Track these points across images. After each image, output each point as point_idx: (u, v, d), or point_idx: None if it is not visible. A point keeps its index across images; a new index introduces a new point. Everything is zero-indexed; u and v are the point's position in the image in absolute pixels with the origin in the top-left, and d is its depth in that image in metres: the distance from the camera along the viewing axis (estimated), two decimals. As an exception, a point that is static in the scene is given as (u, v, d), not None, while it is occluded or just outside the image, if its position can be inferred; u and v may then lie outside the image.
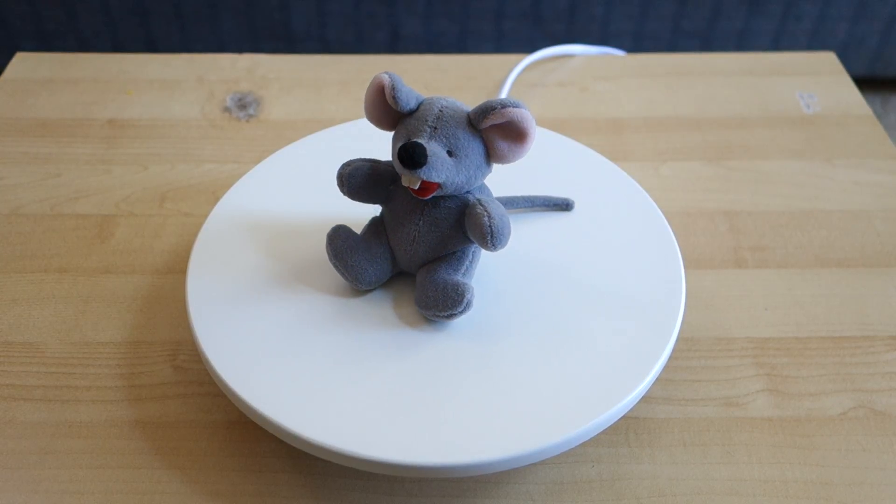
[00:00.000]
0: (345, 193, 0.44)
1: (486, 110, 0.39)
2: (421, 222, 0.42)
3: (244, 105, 0.66)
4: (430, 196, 0.40)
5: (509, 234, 0.40)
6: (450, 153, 0.40)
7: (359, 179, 0.43)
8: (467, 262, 0.43)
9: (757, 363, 0.48)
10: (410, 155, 0.38)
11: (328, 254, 0.43)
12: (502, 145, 0.41)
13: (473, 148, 0.40)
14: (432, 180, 0.39)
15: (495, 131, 0.40)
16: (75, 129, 0.64)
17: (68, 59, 0.71)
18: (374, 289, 0.45)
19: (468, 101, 0.67)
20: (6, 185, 0.59)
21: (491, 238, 0.40)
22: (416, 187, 0.39)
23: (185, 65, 0.71)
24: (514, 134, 0.40)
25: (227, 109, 0.66)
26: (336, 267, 0.44)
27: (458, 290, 0.41)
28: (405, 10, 1.36)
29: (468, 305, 0.41)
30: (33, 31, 1.38)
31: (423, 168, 0.39)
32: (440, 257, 0.43)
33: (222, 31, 1.38)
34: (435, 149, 0.39)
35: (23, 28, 1.38)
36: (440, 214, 0.42)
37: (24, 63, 0.71)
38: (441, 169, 0.39)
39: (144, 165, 0.61)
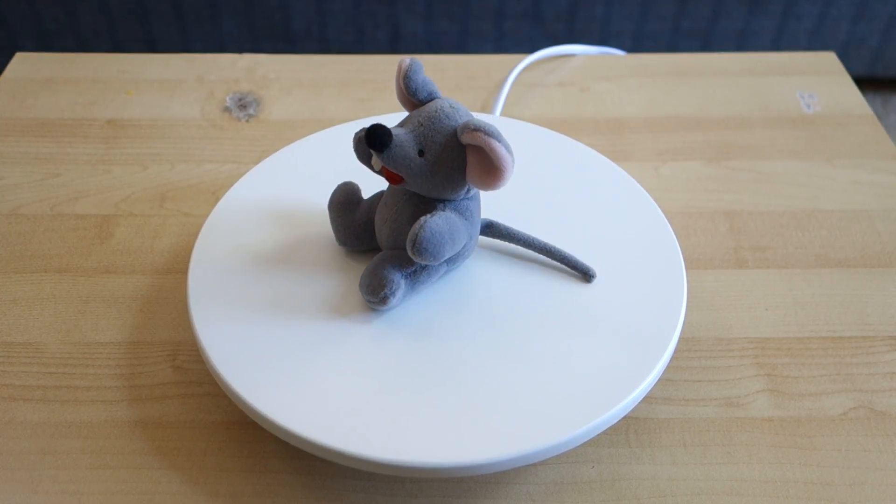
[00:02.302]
0: (356, 154, 0.45)
1: (464, 127, 0.39)
2: (394, 210, 0.43)
3: (244, 105, 0.66)
4: (399, 186, 0.41)
5: (438, 253, 0.40)
6: (421, 153, 0.40)
7: (366, 147, 0.44)
8: (418, 266, 0.43)
9: (757, 363, 0.48)
10: (370, 135, 0.39)
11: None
12: (476, 170, 0.40)
13: (448, 157, 0.40)
14: (389, 168, 0.40)
15: (475, 153, 0.40)
16: (75, 129, 0.64)
17: (68, 59, 0.71)
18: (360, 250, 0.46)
19: (468, 101, 0.67)
20: (6, 185, 0.59)
21: (412, 246, 0.40)
22: (377, 169, 0.40)
23: (185, 65, 0.71)
24: (489, 164, 0.39)
25: (227, 109, 0.66)
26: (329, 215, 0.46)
27: (382, 282, 0.42)
28: (405, 10, 1.36)
29: (384, 300, 0.42)
30: (33, 31, 1.38)
31: (383, 153, 0.39)
32: (398, 248, 0.43)
33: (222, 31, 1.38)
34: (404, 140, 0.40)
35: (23, 28, 1.38)
36: (410, 210, 0.42)
37: (24, 63, 0.71)
38: (400, 161, 0.40)
39: (144, 165, 0.61)
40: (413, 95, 0.41)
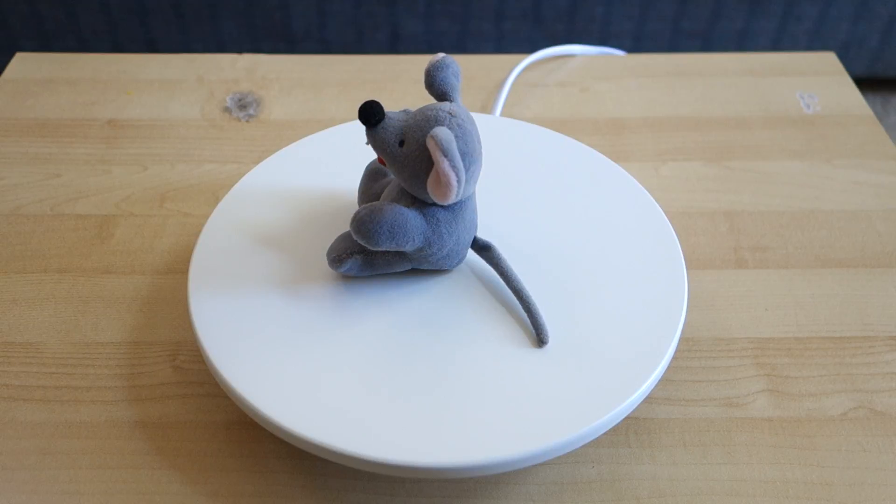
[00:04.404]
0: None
1: (430, 134, 0.39)
2: (388, 191, 0.44)
3: (244, 105, 0.66)
4: (385, 167, 0.43)
5: (370, 238, 0.40)
6: (401, 143, 0.41)
7: None
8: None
9: (757, 363, 0.48)
10: (362, 109, 0.40)
11: None
12: (432, 179, 0.40)
13: (419, 157, 0.40)
14: (371, 145, 0.42)
15: None
16: (75, 129, 0.64)
17: (68, 59, 0.71)
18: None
19: (468, 102, 0.67)
20: (6, 185, 0.59)
21: (351, 222, 0.41)
22: (365, 143, 0.42)
23: (185, 65, 0.71)
24: (437, 176, 0.39)
25: (227, 109, 0.66)
26: None
27: (338, 247, 0.44)
28: (405, 10, 1.36)
29: (332, 262, 0.43)
30: (33, 31, 1.38)
31: (368, 130, 0.41)
32: None
33: (222, 31, 1.38)
34: (391, 126, 0.41)
35: (23, 28, 1.38)
36: (393, 196, 0.43)
37: (24, 63, 0.71)
38: (379, 143, 0.41)
39: (144, 165, 0.61)
40: (429, 88, 0.42)
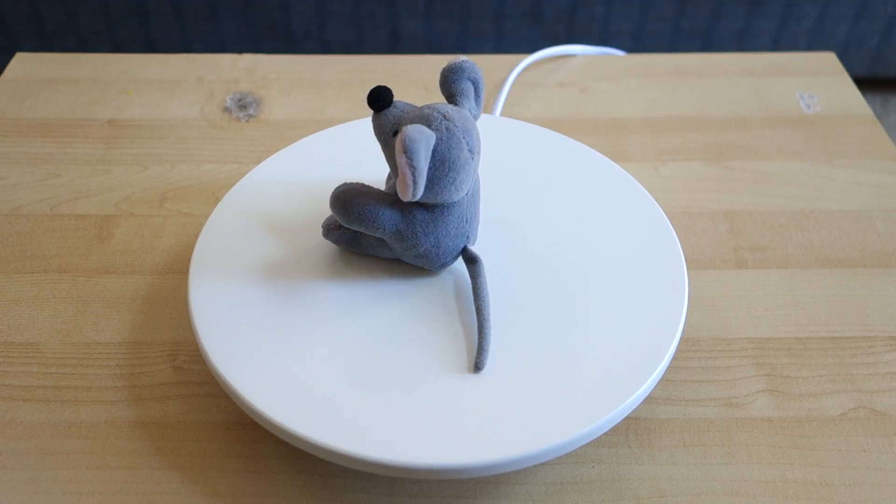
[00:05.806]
0: None
1: (401, 131, 0.39)
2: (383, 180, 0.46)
3: (244, 105, 0.66)
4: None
5: (340, 215, 0.42)
6: (395, 133, 0.42)
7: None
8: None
9: (757, 363, 0.48)
10: (372, 92, 0.42)
11: None
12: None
13: None
14: (373, 129, 0.43)
15: None
16: (75, 129, 0.64)
17: (68, 59, 0.71)
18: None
19: (468, 101, 0.67)
20: (6, 185, 0.59)
21: (330, 197, 0.42)
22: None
23: (185, 65, 0.71)
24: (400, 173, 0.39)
25: (227, 109, 0.66)
26: None
27: (329, 219, 0.45)
28: (405, 10, 1.36)
29: (323, 229, 0.46)
30: (33, 31, 1.38)
31: (374, 114, 0.43)
32: None
33: (222, 31, 1.38)
34: (391, 115, 0.42)
35: (23, 28, 1.38)
36: (389, 185, 0.45)
37: (24, 63, 0.71)
38: (377, 128, 0.43)
39: (144, 165, 0.61)
40: (441, 88, 0.43)
